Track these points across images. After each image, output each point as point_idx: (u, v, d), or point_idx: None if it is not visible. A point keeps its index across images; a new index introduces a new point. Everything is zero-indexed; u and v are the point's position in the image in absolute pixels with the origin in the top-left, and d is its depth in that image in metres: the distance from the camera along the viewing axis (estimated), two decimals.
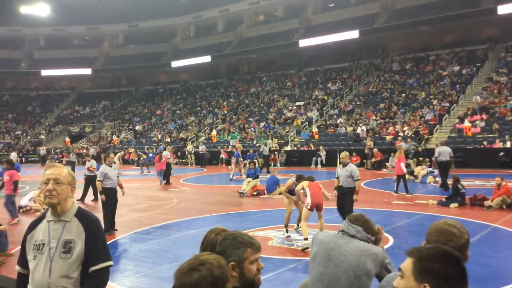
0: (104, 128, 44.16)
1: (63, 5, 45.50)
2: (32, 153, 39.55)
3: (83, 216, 2.67)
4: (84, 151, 37.21)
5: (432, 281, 1.52)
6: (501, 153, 20.67)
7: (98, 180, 9.98)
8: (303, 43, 39.20)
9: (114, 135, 39.78)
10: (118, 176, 10.16)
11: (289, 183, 9.22)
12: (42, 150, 36.82)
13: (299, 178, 8.94)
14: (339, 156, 9.82)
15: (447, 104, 27.02)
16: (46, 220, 2.67)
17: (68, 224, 2.62)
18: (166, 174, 19.13)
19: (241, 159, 22.32)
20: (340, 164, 9.53)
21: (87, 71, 50.34)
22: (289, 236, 8.85)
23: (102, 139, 41.05)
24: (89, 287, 2.57)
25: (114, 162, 11.05)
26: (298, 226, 9.33)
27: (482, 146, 21.63)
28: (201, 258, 1.74)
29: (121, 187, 10.28)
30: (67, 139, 41.38)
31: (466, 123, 23.43)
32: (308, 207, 8.10)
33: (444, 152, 14.62)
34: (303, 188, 8.38)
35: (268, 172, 21.39)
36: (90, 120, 46.95)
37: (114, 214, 10.02)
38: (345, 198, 9.17)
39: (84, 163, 34.82)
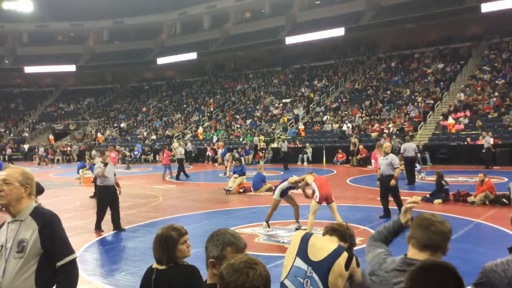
0: (89, 126, 43.73)
1: (47, 1, 44.91)
2: (15, 150, 38.99)
3: (38, 214, 2.69)
4: (68, 148, 36.97)
5: None
6: (484, 150, 20.94)
7: (95, 174, 9.99)
8: (289, 40, 39.26)
9: (98, 133, 39.42)
10: (115, 174, 10.02)
11: (295, 179, 8.87)
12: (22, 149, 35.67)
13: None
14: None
15: (431, 101, 27.30)
16: (6, 221, 2.72)
17: (23, 224, 2.65)
18: (179, 169, 19.67)
19: (227, 156, 22.41)
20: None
21: (72, 67, 49.73)
22: (271, 230, 9.04)
23: (86, 137, 40.66)
24: (60, 282, 2.63)
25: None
26: (298, 224, 9.25)
27: (465, 143, 21.90)
28: (253, 258, 1.76)
29: (117, 186, 10.12)
30: (51, 137, 40.91)
31: (450, 120, 23.71)
32: (317, 200, 8.18)
33: (409, 148, 15.25)
34: (307, 183, 8.51)
35: (287, 169, 21.67)
36: (74, 117, 46.46)
37: (118, 213, 9.78)
38: (386, 186, 10.09)
39: (68, 161, 34.89)
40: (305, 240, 2.75)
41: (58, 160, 34.88)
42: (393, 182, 10.02)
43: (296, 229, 8.88)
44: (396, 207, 9.94)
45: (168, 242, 2.72)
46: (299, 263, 2.71)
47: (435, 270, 1.56)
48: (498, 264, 1.92)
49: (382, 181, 10.42)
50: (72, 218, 11.15)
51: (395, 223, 2.46)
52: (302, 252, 2.71)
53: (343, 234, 2.90)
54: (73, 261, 2.71)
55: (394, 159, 10.21)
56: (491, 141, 19.90)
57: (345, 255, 2.58)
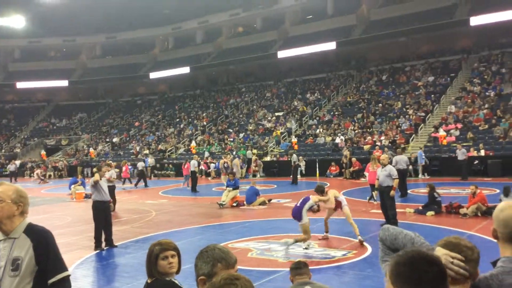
0: (81, 141, 43.53)
1: (39, 17, 44.92)
2: (6, 167, 38.64)
3: (31, 231, 2.67)
4: (60, 163, 36.72)
5: (403, 285, 1.54)
6: (476, 161, 21.10)
7: (91, 185, 9.83)
8: (282, 54, 39.52)
9: (91, 148, 39.25)
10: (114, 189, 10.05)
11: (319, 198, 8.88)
12: (12, 166, 34.56)
13: (320, 189, 9.16)
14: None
15: (423, 114, 27.51)
16: None
17: (16, 241, 2.63)
18: (192, 182, 20.71)
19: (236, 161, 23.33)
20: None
21: (64, 83, 49.62)
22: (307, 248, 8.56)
23: (78, 152, 40.45)
24: None
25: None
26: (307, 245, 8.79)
27: (456, 155, 22.02)
28: (235, 274, 1.74)
29: (110, 202, 10.12)
30: (43, 152, 40.62)
31: (441, 132, 23.88)
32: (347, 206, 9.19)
33: (400, 161, 15.37)
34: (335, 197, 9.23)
35: (296, 184, 21.49)
36: (66, 132, 46.23)
37: (111, 229, 9.74)
38: (384, 197, 10.44)
39: (60, 176, 34.66)
40: None
41: (50, 175, 34.63)
42: (392, 193, 10.32)
43: (305, 248, 8.59)
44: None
45: (150, 257, 2.82)
46: None
47: (419, 259, 1.55)
48: (481, 279, 1.92)
49: (380, 192, 10.70)
50: (63, 235, 11.05)
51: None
52: None
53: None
54: (66, 279, 2.68)
55: (392, 170, 10.55)
56: (465, 152, 20.03)
57: None
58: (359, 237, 8.81)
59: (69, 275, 2.72)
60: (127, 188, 23.39)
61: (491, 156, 21.08)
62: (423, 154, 21.64)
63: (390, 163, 16.20)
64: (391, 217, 10.24)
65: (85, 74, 51.22)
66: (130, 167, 30.94)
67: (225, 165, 22.90)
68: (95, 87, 52.24)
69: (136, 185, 23.85)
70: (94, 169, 10.03)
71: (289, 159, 24.75)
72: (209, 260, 2.14)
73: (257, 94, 41.16)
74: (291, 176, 22.21)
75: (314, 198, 8.73)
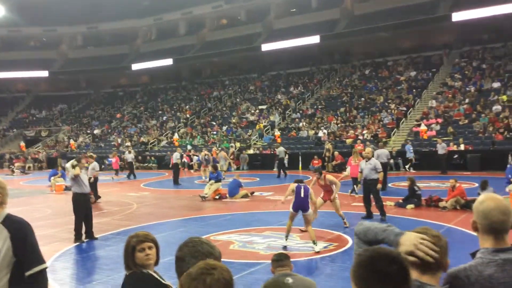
0: (61, 132, 42.89)
1: (19, 6, 43.95)
2: None
3: (9, 222, 2.63)
4: (40, 154, 36.17)
5: (364, 286, 1.53)
6: (456, 156, 21.43)
7: (71, 178, 9.68)
8: (266, 47, 39.42)
9: (71, 139, 38.71)
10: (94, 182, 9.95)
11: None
12: None
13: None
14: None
15: (404, 108, 27.79)
16: None
17: None
18: (175, 175, 20.51)
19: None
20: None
21: (44, 73, 48.71)
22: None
23: (58, 144, 39.87)
24: None
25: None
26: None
27: (437, 149, 22.33)
28: (211, 262, 1.71)
29: (90, 193, 10.01)
30: (22, 144, 39.95)
31: (422, 127, 24.16)
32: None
33: (382, 155, 15.46)
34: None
35: (285, 176, 21.30)
36: (46, 124, 45.50)
37: (91, 222, 9.66)
38: (370, 189, 10.51)
39: (40, 168, 34.13)
40: None
41: (29, 167, 34.11)
42: (379, 186, 10.60)
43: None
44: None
45: (127, 249, 2.77)
46: None
47: (379, 258, 1.54)
48: (461, 269, 1.94)
49: (365, 185, 10.77)
50: (43, 227, 10.89)
51: (388, 240, 1.88)
52: None
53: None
54: (43, 271, 2.65)
55: (377, 164, 10.72)
56: (445, 146, 20.41)
57: None
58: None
59: (45, 268, 2.69)
60: (118, 180, 23.26)
61: (470, 150, 21.42)
62: (411, 148, 21.87)
63: (373, 156, 16.41)
64: (378, 209, 10.46)
65: (65, 64, 50.38)
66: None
67: (206, 157, 22.81)
68: (76, 78, 51.42)
69: (128, 176, 23.82)
70: (73, 162, 9.84)
71: (272, 152, 24.79)
72: (197, 255, 2.12)
73: (241, 87, 41.04)
74: (278, 170, 22.11)
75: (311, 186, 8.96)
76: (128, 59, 49.09)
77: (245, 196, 15.08)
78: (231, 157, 26.98)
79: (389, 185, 16.18)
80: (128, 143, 33.89)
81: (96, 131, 40.49)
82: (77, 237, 9.31)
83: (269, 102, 35.73)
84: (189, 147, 30.58)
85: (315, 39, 36.81)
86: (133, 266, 2.73)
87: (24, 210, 13.33)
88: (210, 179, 15.54)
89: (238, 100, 38.57)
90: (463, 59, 32.00)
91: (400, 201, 12.12)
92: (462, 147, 21.72)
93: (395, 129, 26.05)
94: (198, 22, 47.05)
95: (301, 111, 32.67)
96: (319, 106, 32.18)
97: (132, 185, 20.77)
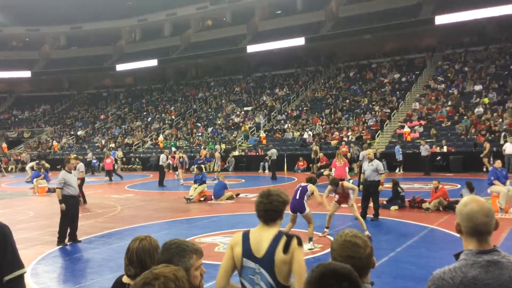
0: (44, 134, 42.33)
1: (1, 5, 43.31)
2: None
3: None
4: (23, 156, 35.62)
5: None
6: (438, 157, 21.70)
7: (57, 188, 9.38)
8: (251, 48, 39.46)
9: (54, 141, 38.22)
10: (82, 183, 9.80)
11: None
12: None
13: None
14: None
15: (388, 110, 28.06)
16: None
17: None
18: (160, 176, 20.43)
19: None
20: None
21: (26, 73, 48.04)
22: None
23: (41, 145, 39.33)
24: None
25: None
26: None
27: (420, 151, 22.57)
28: (155, 271, 1.67)
29: (79, 195, 9.87)
30: (4, 145, 39.32)
31: (406, 129, 24.42)
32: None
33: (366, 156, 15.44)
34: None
35: (274, 179, 21.10)
36: (29, 125, 44.84)
37: (77, 225, 9.50)
38: (370, 190, 10.43)
39: (22, 169, 33.59)
40: (246, 238, 2.82)
41: (11, 169, 33.57)
42: (381, 188, 10.45)
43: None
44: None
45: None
46: (247, 262, 2.78)
47: (329, 275, 1.57)
48: (445, 271, 1.96)
49: (366, 186, 10.69)
50: (25, 229, 10.73)
51: None
52: (247, 252, 2.77)
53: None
54: (21, 276, 2.61)
55: (379, 165, 10.58)
56: (428, 148, 20.81)
57: (283, 240, 2.68)
58: (366, 232, 8.55)
59: (24, 273, 2.65)
60: (113, 181, 23.07)
61: (453, 152, 21.70)
62: (401, 150, 22.05)
63: (358, 157, 16.47)
64: (374, 210, 10.57)
65: (48, 65, 49.74)
66: (95, 160, 30.44)
67: (180, 159, 22.85)
68: (59, 79, 50.82)
69: (121, 177, 24.06)
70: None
71: (257, 154, 24.71)
72: (185, 254, 2.13)
73: (226, 89, 40.99)
74: (272, 171, 22.05)
75: (311, 187, 8.37)
76: (112, 59, 48.67)
77: (230, 198, 15.06)
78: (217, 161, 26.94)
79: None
80: (112, 145, 33.58)
81: (79, 132, 40.05)
82: (60, 240, 9.17)
83: (255, 103, 35.75)
84: (173, 148, 30.43)
85: (300, 41, 36.96)
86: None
87: (6, 212, 13.12)
88: (195, 181, 15.47)
89: (223, 101, 38.52)
90: (446, 62, 32.43)
91: (384, 202, 12.20)
92: (445, 148, 21.99)
93: (379, 131, 26.27)
94: (183, 23, 46.89)
95: (286, 113, 32.74)
96: (304, 108, 32.30)
97: (116, 187, 20.59)
